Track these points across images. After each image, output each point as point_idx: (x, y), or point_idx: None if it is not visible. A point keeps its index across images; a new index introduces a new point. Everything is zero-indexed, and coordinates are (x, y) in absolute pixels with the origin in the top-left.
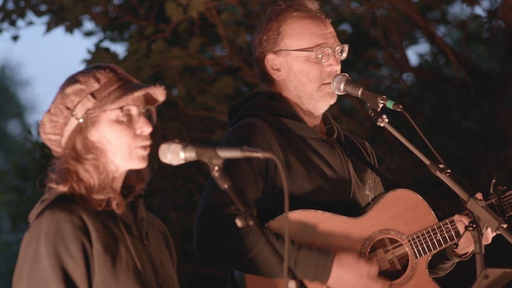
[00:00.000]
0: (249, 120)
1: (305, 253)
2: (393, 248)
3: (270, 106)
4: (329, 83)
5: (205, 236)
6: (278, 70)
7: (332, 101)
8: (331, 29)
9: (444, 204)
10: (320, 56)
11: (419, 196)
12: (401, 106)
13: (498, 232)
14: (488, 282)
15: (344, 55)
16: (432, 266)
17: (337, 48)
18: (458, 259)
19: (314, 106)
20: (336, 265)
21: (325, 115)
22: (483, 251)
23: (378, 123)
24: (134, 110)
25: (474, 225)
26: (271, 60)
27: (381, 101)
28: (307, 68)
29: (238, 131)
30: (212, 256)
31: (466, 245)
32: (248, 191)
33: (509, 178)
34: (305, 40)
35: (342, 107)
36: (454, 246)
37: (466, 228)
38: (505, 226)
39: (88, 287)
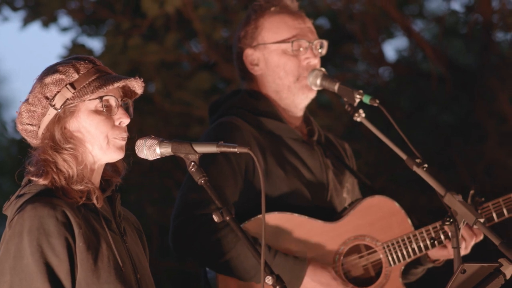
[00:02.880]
0: (229, 119)
1: (281, 260)
2: (369, 261)
3: (250, 105)
4: (306, 77)
5: (181, 235)
6: (257, 65)
7: (311, 95)
8: (309, 24)
9: (422, 199)
10: (297, 48)
11: (396, 203)
12: (377, 101)
13: (475, 227)
14: (465, 277)
15: (323, 51)
16: (404, 270)
17: (315, 42)
18: (431, 265)
19: (293, 100)
20: (309, 276)
21: (306, 116)
22: (460, 246)
23: (355, 118)
24: (113, 101)
25: (451, 220)
26: (250, 55)
27: (357, 96)
28: (283, 61)
29: (217, 128)
30: (187, 254)
31: (439, 252)
32: (226, 189)
33: (487, 172)
34: (282, 33)
35: (319, 102)
36: (432, 241)
37: (443, 222)
38: (482, 220)
39: (71, 283)
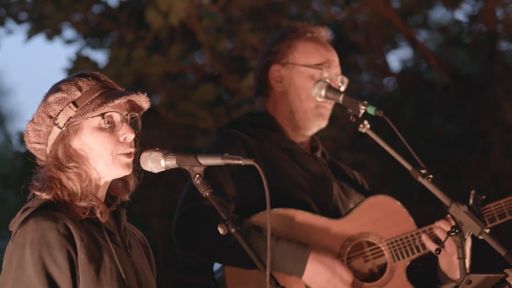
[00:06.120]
0: (228, 130)
1: (283, 245)
2: (373, 258)
3: (251, 119)
4: (325, 106)
5: (183, 224)
6: (280, 82)
7: (324, 124)
8: (337, 59)
9: (427, 210)
10: (323, 77)
11: (399, 202)
12: (382, 112)
13: (481, 237)
14: None
15: (343, 88)
16: None
17: (339, 77)
18: (453, 283)
19: (305, 124)
20: (312, 260)
21: (312, 136)
22: (466, 257)
23: (360, 129)
24: (116, 117)
25: (457, 230)
26: (276, 71)
27: (362, 107)
28: (308, 86)
29: (218, 138)
30: (189, 244)
31: (453, 264)
32: (226, 187)
33: (493, 182)
34: (313, 58)
35: None
36: (437, 252)
37: (448, 233)
38: (487, 231)
39: None
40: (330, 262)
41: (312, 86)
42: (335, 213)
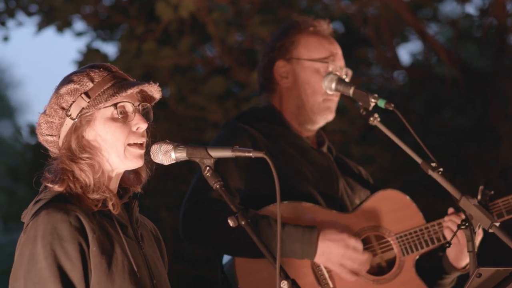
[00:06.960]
0: (235, 124)
1: (290, 229)
2: (382, 252)
3: (257, 113)
4: (331, 99)
5: (190, 216)
6: (286, 77)
7: (331, 117)
8: (341, 52)
9: (437, 203)
10: (330, 69)
11: (408, 197)
12: (392, 105)
13: (491, 230)
14: (481, 281)
15: (347, 79)
16: (432, 282)
17: (344, 69)
18: (458, 273)
19: (312, 118)
20: (321, 240)
21: (318, 131)
22: (476, 250)
23: (370, 122)
24: (129, 107)
25: (467, 224)
26: (281, 67)
27: (373, 100)
28: (314, 80)
29: (224, 132)
30: (196, 236)
31: (461, 254)
32: (230, 180)
33: (502, 176)
34: (318, 52)
35: None
36: (447, 245)
37: (458, 226)
38: (497, 224)
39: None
40: (339, 237)
41: (318, 81)
42: (342, 207)
